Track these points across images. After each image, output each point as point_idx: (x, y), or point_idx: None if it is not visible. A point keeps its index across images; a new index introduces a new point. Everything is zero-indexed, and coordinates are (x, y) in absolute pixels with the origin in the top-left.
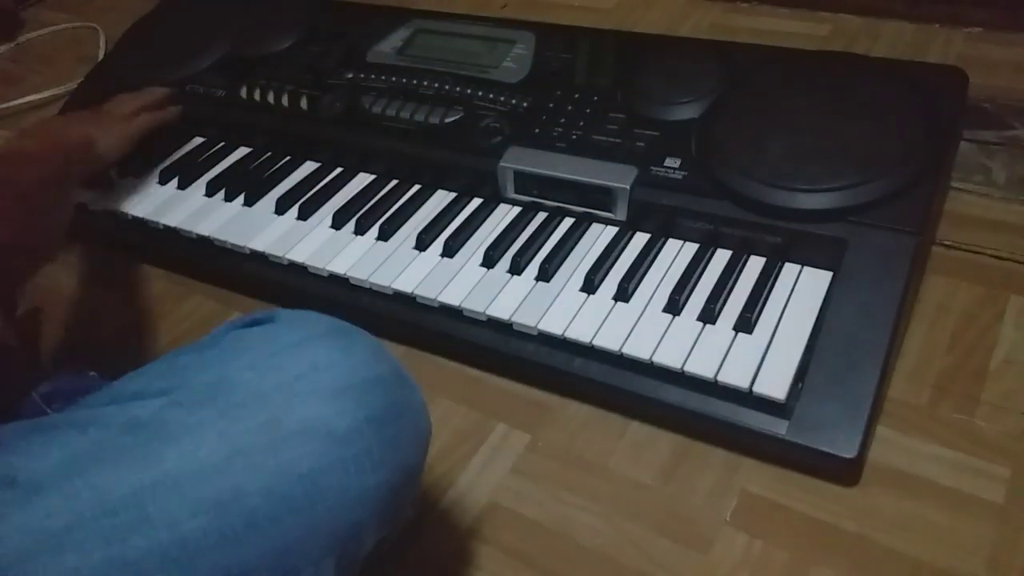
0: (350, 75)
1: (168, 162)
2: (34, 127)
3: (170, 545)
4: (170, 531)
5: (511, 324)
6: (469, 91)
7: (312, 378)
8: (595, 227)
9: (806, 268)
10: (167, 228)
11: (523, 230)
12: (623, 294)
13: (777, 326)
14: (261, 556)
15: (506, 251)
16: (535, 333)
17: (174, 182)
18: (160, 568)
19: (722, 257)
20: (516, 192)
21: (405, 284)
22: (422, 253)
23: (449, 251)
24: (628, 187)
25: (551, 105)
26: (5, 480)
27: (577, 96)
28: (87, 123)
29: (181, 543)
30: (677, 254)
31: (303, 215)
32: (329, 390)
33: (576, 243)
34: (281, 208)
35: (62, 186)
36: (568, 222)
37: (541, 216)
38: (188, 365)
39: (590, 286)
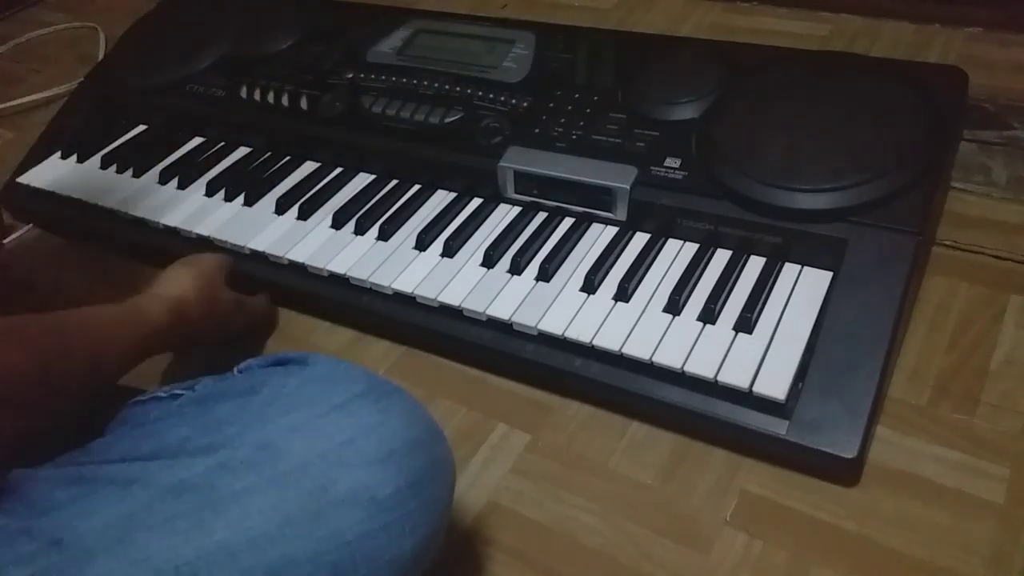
0: (350, 75)
1: (168, 162)
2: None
3: None
4: None
5: (511, 324)
6: (469, 91)
7: (356, 445)
8: (595, 227)
9: (806, 268)
10: (167, 228)
11: (523, 230)
12: (623, 294)
13: (777, 326)
14: None
15: (506, 251)
16: (535, 333)
17: (174, 182)
18: None
19: (722, 257)
20: (516, 192)
21: (405, 284)
22: (422, 253)
23: (449, 251)
24: (628, 187)
25: (551, 105)
26: (51, 541)
27: (577, 96)
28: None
29: None
30: (677, 254)
31: (303, 215)
32: (372, 457)
33: (576, 243)
34: (281, 208)
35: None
36: (568, 222)
37: (541, 216)
38: (229, 420)
39: (590, 286)
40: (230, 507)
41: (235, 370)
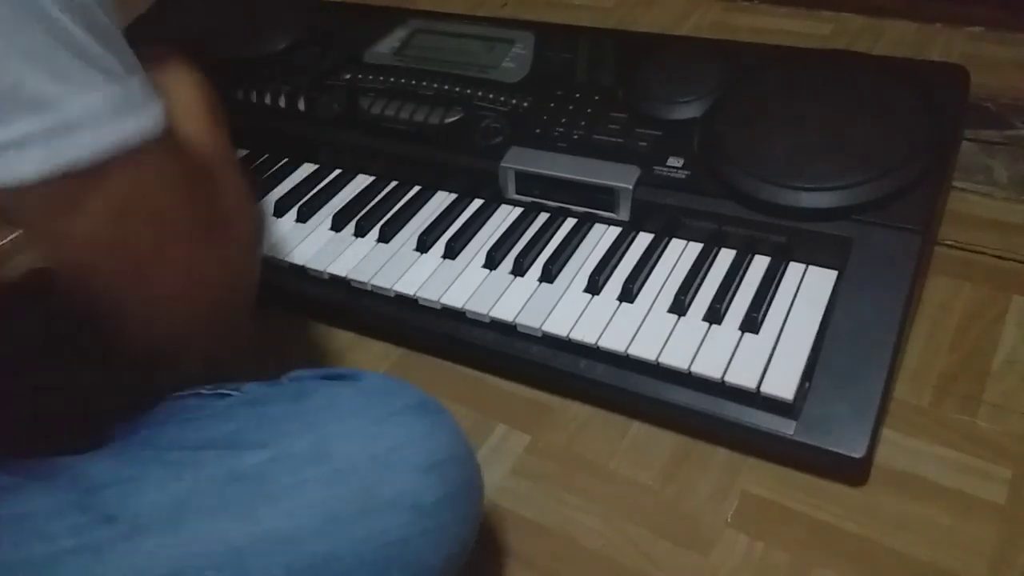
0: (348, 76)
1: None
2: None
3: None
4: None
5: (515, 326)
6: (469, 91)
7: (404, 453)
8: (598, 227)
9: (811, 267)
10: None
11: (525, 231)
12: (627, 295)
13: (783, 326)
14: None
15: (508, 252)
16: (539, 334)
17: None
18: None
19: (726, 257)
20: (518, 193)
21: (407, 286)
22: (424, 255)
23: (451, 252)
24: (631, 187)
25: (552, 105)
26: (103, 516)
27: (578, 96)
28: None
29: None
30: (681, 254)
31: (302, 217)
32: (419, 465)
33: (579, 244)
34: (280, 211)
35: None
36: (571, 222)
37: (543, 217)
38: (282, 419)
39: (594, 287)
40: (280, 499)
41: (285, 378)
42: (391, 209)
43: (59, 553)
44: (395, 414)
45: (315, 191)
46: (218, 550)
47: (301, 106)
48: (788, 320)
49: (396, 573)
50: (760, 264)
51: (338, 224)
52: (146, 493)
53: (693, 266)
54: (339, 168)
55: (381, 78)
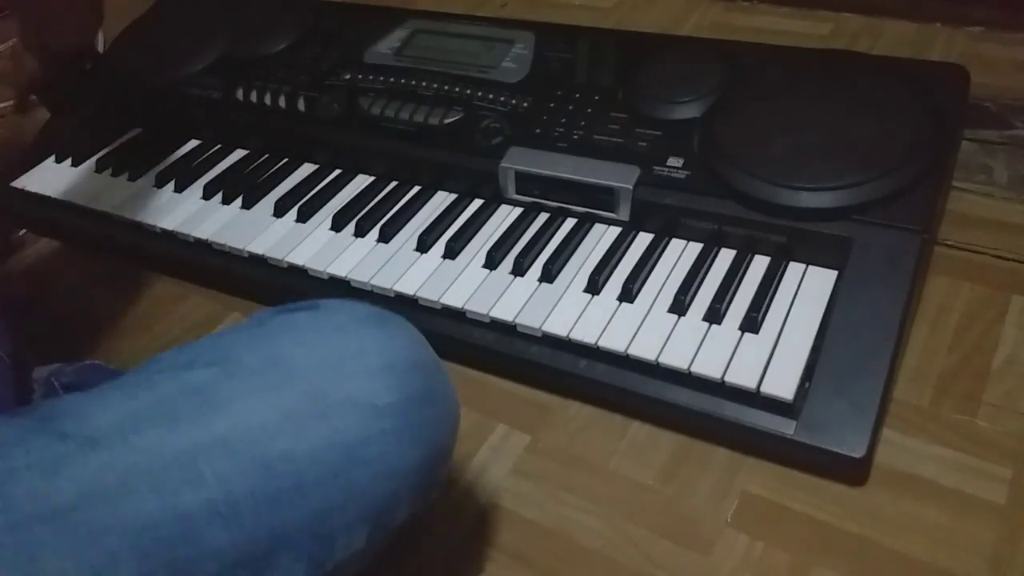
0: (348, 76)
1: (164, 165)
2: None
3: (219, 501)
4: (220, 488)
5: (515, 326)
6: (469, 91)
7: (359, 358)
8: (598, 227)
9: (811, 267)
10: (164, 231)
11: (525, 231)
12: (627, 295)
13: (783, 326)
14: (302, 518)
15: (508, 252)
16: (539, 335)
17: (171, 185)
18: (208, 522)
19: (726, 257)
20: (518, 193)
21: (407, 286)
22: (424, 255)
23: (451, 253)
24: (631, 187)
25: (552, 105)
26: (58, 434)
27: (578, 96)
28: None
29: (230, 500)
30: (681, 254)
31: (302, 217)
32: (374, 368)
33: (579, 244)
34: (280, 210)
35: None
36: (570, 223)
37: (543, 217)
38: (236, 342)
39: (594, 287)
40: (230, 405)
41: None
42: (391, 209)
43: (12, 470)
44: (351, 324)
45: (315, 191)
46: (167, 456)
47: (301, 106)
48: (788, 320)
49: (358, 473)
50: (760, 264)
51: (338, 224)
52: (101, 413)
53: (693, 266)
54: (339, 168)
55: (381, 78)
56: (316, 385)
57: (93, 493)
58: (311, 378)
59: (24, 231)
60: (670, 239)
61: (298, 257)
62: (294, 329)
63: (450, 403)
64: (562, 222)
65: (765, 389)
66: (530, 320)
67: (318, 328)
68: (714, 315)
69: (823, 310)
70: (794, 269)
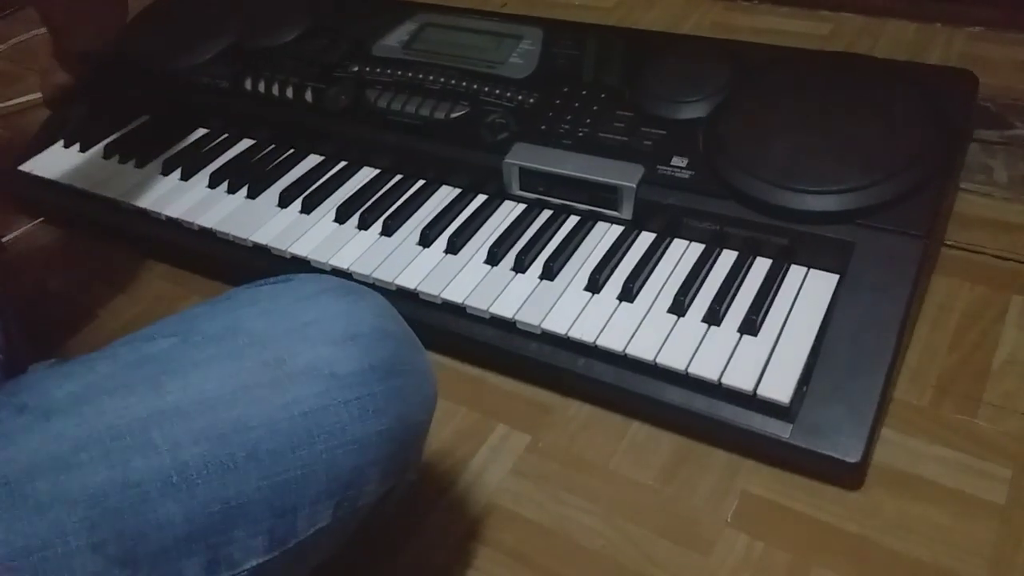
0: (356, 68)
1: (171, 153)
2: None
3: (171, 470)
4: (172, 456)
5: (514, 322)
6: (475, 86)
7: (320, 326)
8: (600, 225)
9: (812, 270)
10: (169, 219)
11: (528, 227)
12: (628, 294)
13: (782, 329)
14: (259, 489)
15: (510, 248)
16: (538, 332)
17: (177, 173)
18: (160, 491)
19: (728, 258)
20: (521, 189)
21: (408, 280)
22: (426, 249)
23: (453, 247)
24: (634, 186)
25: (558, 102)
26: (16, 407)
27: (584, 93)
28: None
29: (182, 468)
30: (683, 254)
31: (306, 209)
32: (336, 336)
33: (581, 241)
34: (284, 201)
35: None
36: (573, 220)
37: (546, 213)
38: (200, 314)
39: (594, 285)
40: (188, 374)
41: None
42: (395, 202)
43: None
44: (317, 294)
45: (320, 183)
46: (120, 425)
47: (308, 97)
48: (787, 323)
49: (318, 444)
50: (761, 266)
51: (342, 216)
52: (61, 386)
53: (694, 267)
54: (344, 160)
55: (389, 71)
56: (275, 353)
57: (43, 463)
58: (271, 346)
59: (9, 236)
60: (672, 239)
61: (301, 248)
62: (258, 300)
63: (421, 376)
64: (565, 219)
65: (762, 392)
66: (530, 317)
67: (281, 298)
68: (713, 316)
69: (823, 314)
70: (795, 272)
